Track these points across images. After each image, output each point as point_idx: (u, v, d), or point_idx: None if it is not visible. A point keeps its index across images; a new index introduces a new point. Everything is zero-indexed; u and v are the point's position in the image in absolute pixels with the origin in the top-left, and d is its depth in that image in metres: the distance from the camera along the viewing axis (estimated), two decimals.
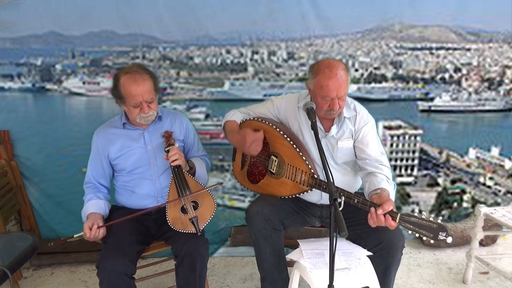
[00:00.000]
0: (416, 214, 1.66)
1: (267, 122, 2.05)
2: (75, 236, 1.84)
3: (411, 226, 1.65)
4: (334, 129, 1.95)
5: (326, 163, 1.57)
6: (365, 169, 1.94)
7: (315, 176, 1.88)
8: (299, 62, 2.77)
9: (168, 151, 1.96)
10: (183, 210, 1.91)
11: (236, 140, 2.05)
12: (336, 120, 1.96)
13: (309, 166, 1.89)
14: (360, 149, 1.97)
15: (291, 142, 1.94)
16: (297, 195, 1.99)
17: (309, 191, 1.93)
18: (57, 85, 2.70)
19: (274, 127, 2.01)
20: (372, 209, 1.68)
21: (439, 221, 1.63)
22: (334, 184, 1.54)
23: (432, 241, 1.63)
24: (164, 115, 2.11)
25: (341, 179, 1.98)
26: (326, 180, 1.59)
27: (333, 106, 1.83)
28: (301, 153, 1.91)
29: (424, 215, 1.66)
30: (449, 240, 1.62)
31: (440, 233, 1.61)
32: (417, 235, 1.66)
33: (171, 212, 1.90)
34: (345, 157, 2.00)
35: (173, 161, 1.93)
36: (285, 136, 1.97)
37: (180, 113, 2.23)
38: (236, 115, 2.16)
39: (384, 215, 1.66)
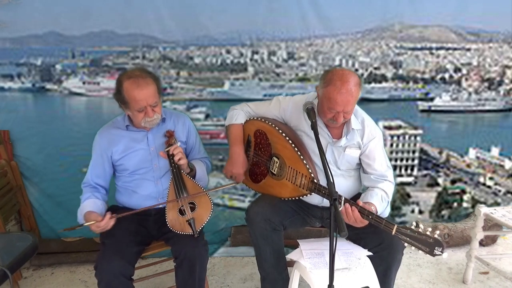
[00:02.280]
0: (413, 227, 1.66)
1: (270, 123, 2.04)
2: (85, 224, 1.79)
3: (408, 239, 1.65)
4: (343, 140, 1.94)
5: (326, 163, 1.57)
6: (368, 185, 1.96)
7: (315, 180, 1.87)
8: (299, 62, 2.77)
9: (168, 152, 1.96)
10: (181, 211, 1.91)
11: (235, 157, 2.08)
12: (345, 131, 1.95)
13: (310, 170, 1.88)
14: (367, 163, 1.97)
15: (293, 145, 1.94)
16: (297, 197, 1.98)
17: (308, 195, 1.92)
18: (57, 85, 2.70)
19: (276, 128, 2.00)
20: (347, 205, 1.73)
21: (436, 236, 1.62)
22: (335, 187, 1.53)
23: (427, 255, 1.63)
24: (167, 116, 2.11)
25: (343, 183, 1.99)
26: (326, 185, 1.58)
27: (337, 118, 1.81)
28: (302, 156, 1.90)
29: (421, 228, 1.65)
30: (445, 255, 1.62)
31: (436, 248, 1.61)
32: (413, 248, 1.66)
33: (170, 214, 1.91)
34: (348, 164, 2.00)
35: (179, 159, 1.93)
36: (287, 138, 1.96)
37: (183, 114, 2.22)
38: (240, 116, 2.15)
39: (352, 207, 1.71)
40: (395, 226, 1.66)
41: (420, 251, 1.63)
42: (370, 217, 1.71)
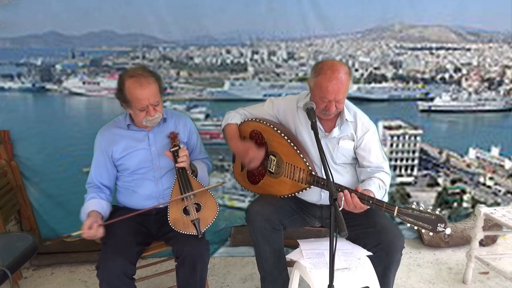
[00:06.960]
0: (414, 207, 1.67)
1: (264, 122, 2.06)
2: (73, 234, 1.82)
3: (410, 219, 1.66)
4: (336, 131, 1.96)
5: (325, 162, 1.57)
6: (365, 178, 1.96)
7: (313, 173, 1.89)
8: (299, 62, 2.77)
9: (173, 152, 1.97)
10: (185, 211, 1.91)
11: (237, 150, 2.08)
12: (338, 122, 1.97)
13: (307, 164, 1.90)
14: (362, 156, 1.98)
15: (289, 141, 1.95)
16: (297, 193, 1.99)
17: (307, 188, 1.93)
18: (57, 85, 2.70)
19: (271, 126, 2.02)
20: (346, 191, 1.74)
21: (437, 212, 1.63)
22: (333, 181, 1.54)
23: (431, 233, 1.63)
24: (169, 116, 2.12)
25: (340, 179, 1.99)
26: (324, 177, 1.58)
27: (329, 108, 1.84)
28: (298, 151, 1.92)
29: (422, 207, 1.67)
30: (448, 231, 1.63)
31: (438, 224, 1.62)
32: (415, 227, 1.67)
33: (173, 213, 1.90)
34: (344, 158, 2.01)
35: (181, 162, 1.93)
36: (283, 135, 1.98)
37: (184, 115, 2.23)
38: (235, 118, 2.16)
39: (351, 194, 1.72)
40: (396, 208, 1.68)
41: (424, 230, 1.64)
42: (370, 202, 1.72)
